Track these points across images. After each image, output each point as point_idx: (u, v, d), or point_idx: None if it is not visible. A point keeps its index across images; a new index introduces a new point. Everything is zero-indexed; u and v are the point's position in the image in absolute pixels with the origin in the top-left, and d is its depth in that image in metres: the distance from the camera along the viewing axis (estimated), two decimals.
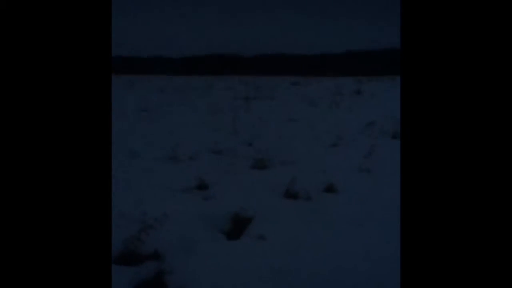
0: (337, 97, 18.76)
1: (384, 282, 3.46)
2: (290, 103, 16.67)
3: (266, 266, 3.70)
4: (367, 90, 21.23)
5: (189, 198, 5.50)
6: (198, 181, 6.02)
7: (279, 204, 5.28)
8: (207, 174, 6.41)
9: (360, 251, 3.98)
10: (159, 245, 4.04)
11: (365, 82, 24.85)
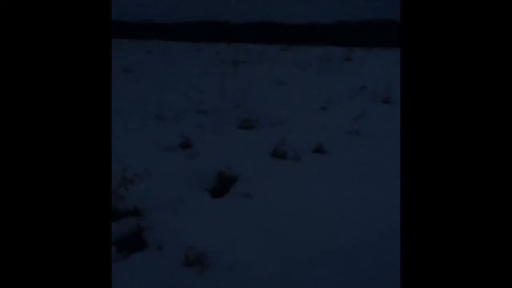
0: (327, 63, 18.48)
1: (372, 240, 3.33)
2: (279, 67, 16.34)
3: (251, 225, 3.54)
4: (358, 58, 20.93)
5: (172, 156, 5.29)
6: (182, 140, 5.80)
7: (266, 163, 5.09)
8: (192, 133, 6.19)
9: (349, 210, 3.84)
10: (139, 201, 3.85)
11: (356, 51, 24.50)
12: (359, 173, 4.82)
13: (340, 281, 2.82)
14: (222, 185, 4.45)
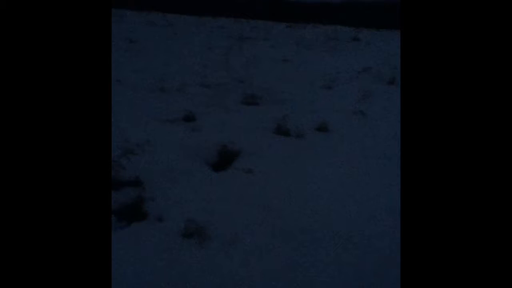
0: (333, 42, 18.26)
1: (377, 215, 3.31)
2: (285, 44, 16.12)
3: (251, 199, 3.53)
4: (365, 38, 20.66)
5: (174, 128, 5.25)
6: (185, 113, 5.76)
7: (269, 139, 5.06)
8: (195, 106, 6.14)
9: (349, 188, 3.82)
10: (140, 172, 3.83)
11: (364, 32, 24.22)
12: (361, 153, 4.78)
13: (337, 261, 2.81)
14: (224, 160, 4.43)
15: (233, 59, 10.84)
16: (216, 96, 7.02)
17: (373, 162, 4.50)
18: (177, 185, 3.69)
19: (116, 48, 11.61)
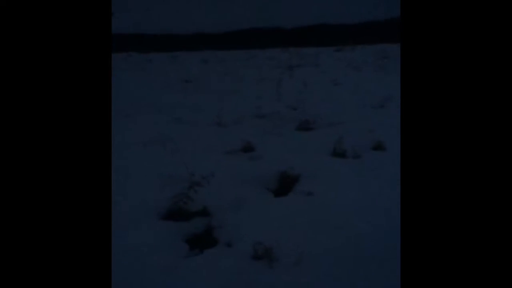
0: (382, 61, 18.21)
1: None
2: (334, 68, 16.29)
3: (314, 220, 3.66)
4: None
5: (235, 159, 5.51)
6: (243, 144, 6.01)
7: (326, 162, 5.19)
8: (252, 137, 6.38)
9: None
10: (207, 202, 4.07)
11: None
12: None
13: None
14: (284, 185, 4.60)
15: (284, 88, 11.09)
16: (272, 125, 7.24)
17: None
18: (243, 212, 3.90)
19: (172, 88, 12.22)
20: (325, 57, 22.12)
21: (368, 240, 3.31)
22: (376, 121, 7.29)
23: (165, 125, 7.53)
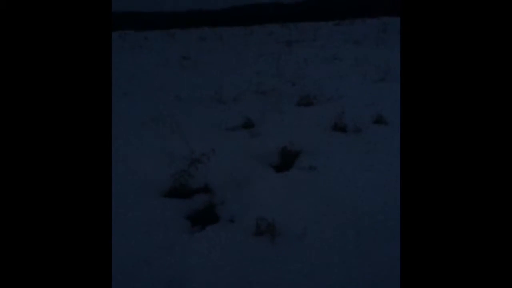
0: (383, 34, 17.98)
1: None
2: (334, 43, 16.09)
3: (316, 195, 3.65)
4: None
5: (236, 135, 5.47)
6: (244, 120, 5.97)
7: (327, 137, 5.16)
8: (252, 113, 6.33)
9: None
10: (208, 179, 4.06)
11: None
12: None
13: None
14: (286, 160, 4.58)
15: (284, 64, 10.98)
16: (272, 101, 7.18)
17: None
18: (244, 188, 3.88)
19: (170, 66, 12.11)
20: (325, 31, 21.88)
21: (370, 213, 3.30)
22: (376, 95, 7.22)
23: (164, 102, 7.47)
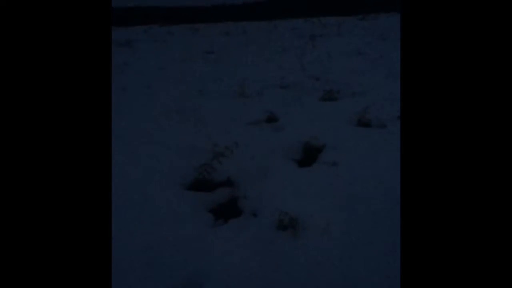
0: None
1: None
2: (358, 37, 15.92)
3: (339, 191, 3.61)
4: None
5: (259, 129, 5.47)
6: (267, 114, 5.97)
7: (351, 132, 5.11)
8: (276, 107, 6.32)
9: None
10: (231, 173, 4.07)
11: None
12: None
13: None
14: (309, 155, 4.56)
15: (307, 58, 10.92)
16: (295, 96, 7.15)
17: None
18: (267, 182, 3.88)
19: (194, 60, 12.17)
20: (349, 26, 21.64)
21: (393, 209, 3.26)
22: None
23: (188, 96, 7.51)
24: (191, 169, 4.02)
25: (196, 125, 5.61)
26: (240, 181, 3.96)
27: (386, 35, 16.05)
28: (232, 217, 3.38)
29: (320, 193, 3.59)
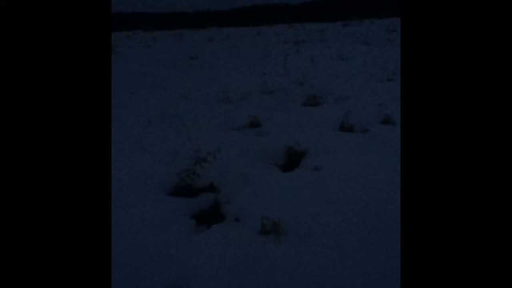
0: (391, 34, 17.90)
1: None
2: (342, 43, 16.04)
3: (322, 195, 3.62)
4: None
5: (242, 135, 5.46)
6: (250, 119, 5.95)
7: (334, 137, 5.13)
8: (259, 113, 6.31)
9: None
10: (214, 178, 4.05)
11: None
12: None
13: None
14: (292, 160, 4.56)
15: (291, 64, 10.96)
16: (278, 101, 7.17)
17: None
18: (250, 188, 3.86)
19: (177, 66, 12.13)
20: (332, 32, 21.83)
21: (376, 213, 3.27)
22: (384, 95, 7.18)
23: (171, 101, 7.48)
24: (174, 175, 3.98)
25: (179, 130, 5.57)
26: (222, 186, 3.94)
27: (369, 41, 16.22)
28: (214, 223, 3.36)
29: (302, 198, 3.59)
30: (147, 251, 2.94)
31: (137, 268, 2.75)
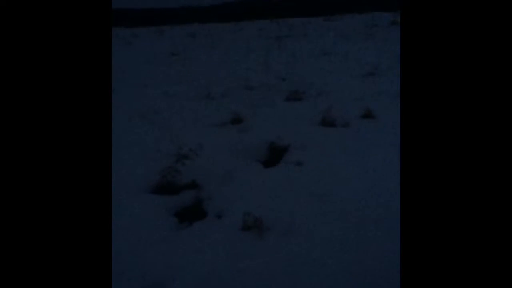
0: (372, 29, 18.00)
1: None
2: (323, 38, 16.05)
3: (303, 190, 3.64)
4: None
5: (224, 131, 5.45)
6: (232, 116, 5.94)
7: (316, 132, 5.15)
8: (241, 108, 6.31)
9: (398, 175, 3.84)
10: (196, 175, 4.03)
11: None
12: None
13: (395, 239, 2.86)
14: (274, 155, 4.57)
15: (273, 59, 10.96)
16: (260, 97, 7.16)
17: None
18: (232, 184, 3.87)
19: (159, 62, 12.04)
20: (314, 27, 21.86)
21: (357, 208, 3.30)
22: (365, 90, 7.23)
23: (152, 98, 7.42)
24: (155, 172, 3.96)
25: (160, 127, 5.54)
26: (205, 183, 3.93)
27: (351, 36, 16.28)
28: (196, 220, 3.35)
29: (284, 193, 3.61)
30: (129, 250, 2.93)
31: (119, 267, 2.73)
